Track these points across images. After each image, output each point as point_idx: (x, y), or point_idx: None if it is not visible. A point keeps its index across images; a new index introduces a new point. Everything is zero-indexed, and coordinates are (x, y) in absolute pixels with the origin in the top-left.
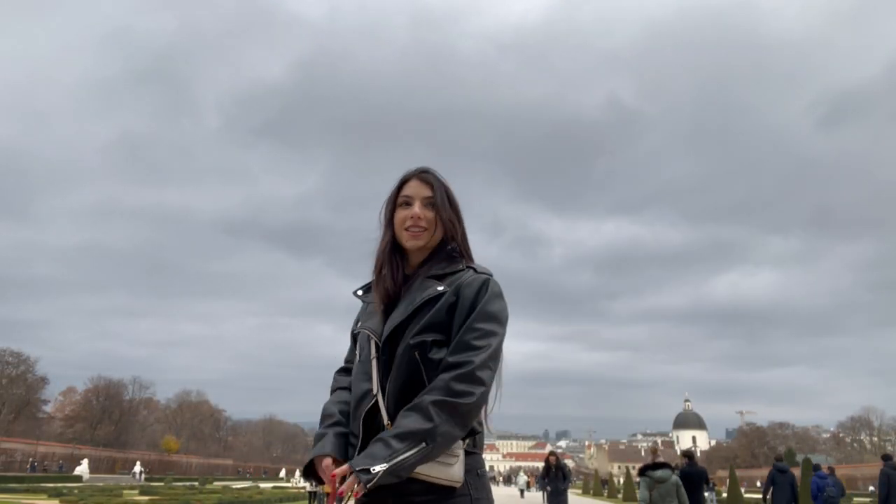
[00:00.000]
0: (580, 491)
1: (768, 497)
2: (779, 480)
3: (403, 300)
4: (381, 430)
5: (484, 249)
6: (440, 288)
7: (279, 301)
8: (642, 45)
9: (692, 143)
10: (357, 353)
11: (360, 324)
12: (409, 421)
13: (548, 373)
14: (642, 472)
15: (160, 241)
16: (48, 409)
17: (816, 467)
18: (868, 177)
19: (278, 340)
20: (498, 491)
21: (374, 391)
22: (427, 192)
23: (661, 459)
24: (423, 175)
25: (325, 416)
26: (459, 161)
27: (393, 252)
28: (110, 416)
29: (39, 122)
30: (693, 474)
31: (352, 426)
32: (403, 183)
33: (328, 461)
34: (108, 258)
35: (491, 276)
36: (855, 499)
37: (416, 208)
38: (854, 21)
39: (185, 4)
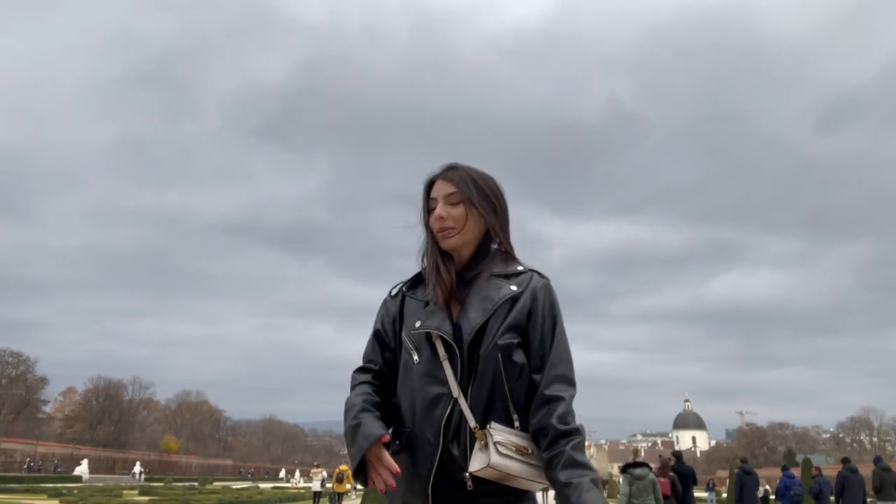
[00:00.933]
0: None
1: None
2: (745, 481)
3: (473, 299)
4: (463, 437)
5: None
6: (514, 288)
7: (279, 301)
8: (641, 48)
9: (691, 145)
10: (411, 354)
11: (420, 323)
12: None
13: None
14: (624, 469)
15: (161, 241)
16: (48, 409)
17: (785, 468)
18: (867, 178)
19: (278, 341)
20: None
21: (454, 394)
22: (449, 189)
23: (641, 459)
24: (447, 173)
25: (351, 406)
26: (458, 160)
27: (441, 252)
28: (110, 417)
29: (41, 123)
30: (681, 473)
31: (423, 432)
32: (431, 185)
33: (384, 452)
34: (108, 258)
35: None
36: None
37: (439, 208)
38: (851, 24)
39: (187, 6)
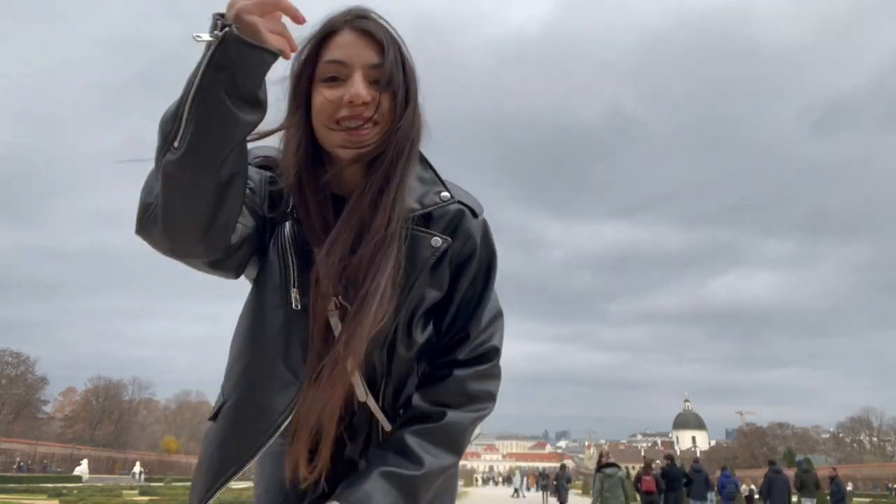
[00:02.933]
0: (580, 491)
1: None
2: (695, 478)
3: (379, 264)
4: (369, 436)
5: None
6: (438, 241)
7: None
8: (640, 54)
9: (689, 148)
10: (276, 306)
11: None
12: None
13: (547, 373)
14: (597, 469)
15: None
16: (48, 409)
17: (724, 468)
18: (862, 181)
19: None
20: (494, 492)
21: (361, 398)
22: (373, 58)
23: (611, 461)
24: (363, 22)
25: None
26: (460, 164)
27: (313, 160)
28: (110, 417)
29: (46, 126)
30: (672, 473)
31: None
32: (329, 34)
33: None
34: (110, 259)
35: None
36: (855, 499)
37: (358, 86)
38: (845, 30)
39: (191, 12)
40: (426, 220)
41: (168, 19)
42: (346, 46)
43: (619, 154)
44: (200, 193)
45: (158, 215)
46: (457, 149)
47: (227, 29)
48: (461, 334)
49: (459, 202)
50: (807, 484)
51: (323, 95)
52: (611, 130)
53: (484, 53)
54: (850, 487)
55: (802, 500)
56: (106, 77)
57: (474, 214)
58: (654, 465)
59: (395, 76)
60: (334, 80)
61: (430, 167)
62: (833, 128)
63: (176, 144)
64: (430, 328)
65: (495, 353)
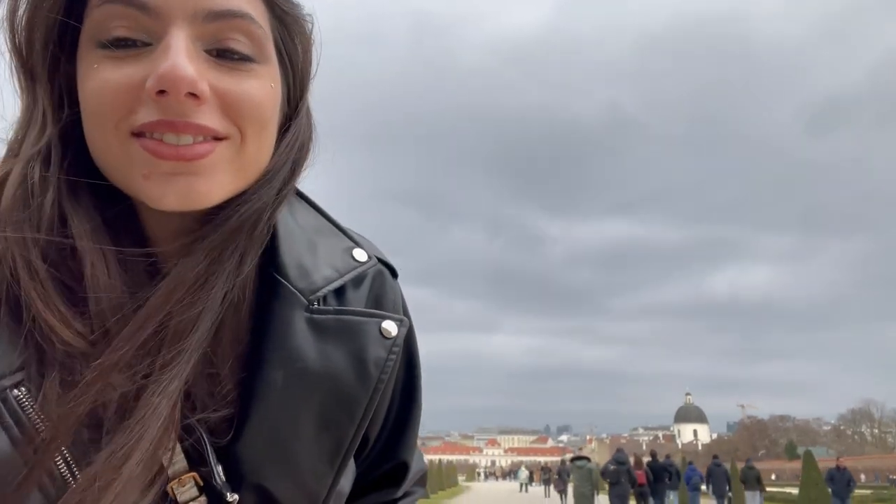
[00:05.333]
0: None
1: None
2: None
3: (266, 384)
4: None
5: (486, 248)
6: (392, 326)
7: None
8: (638, 54)
9: (687, 146)
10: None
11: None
12: None
13: (549, 368)
14: (571, 461)
15: None
16: None
17: (690, 462)
18: (858, 177)
19: None
20: (498, 486)
21: None
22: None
23: (583, 454)
24: None
25: None
26: (461, 162)
27: (72, 197)
28: None
29: None
30: (656, 468)
31: None
32: None
33: None
34: None
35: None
36: (856, 490)
37: (177, 56)
38: (839, 31)
39: None
40: (338, 295)
41: None
42: None
43: (619, 152)
44: None
45: None
46: (457, 147)
47: None
48: (392, 463)
49: (378, 259)
50: (749, 479)
51: (101, 77)
52: (610, 128)
53: (483, 53)
54: None
55: (745, 492)
56: None
57: (394, 274)
58: (642, 461)
59: (267, 40)
60: (126, 45)
61: (314, 206)
62: (829, 126)
63: None
64: (351, 466)
65: (426, 475)
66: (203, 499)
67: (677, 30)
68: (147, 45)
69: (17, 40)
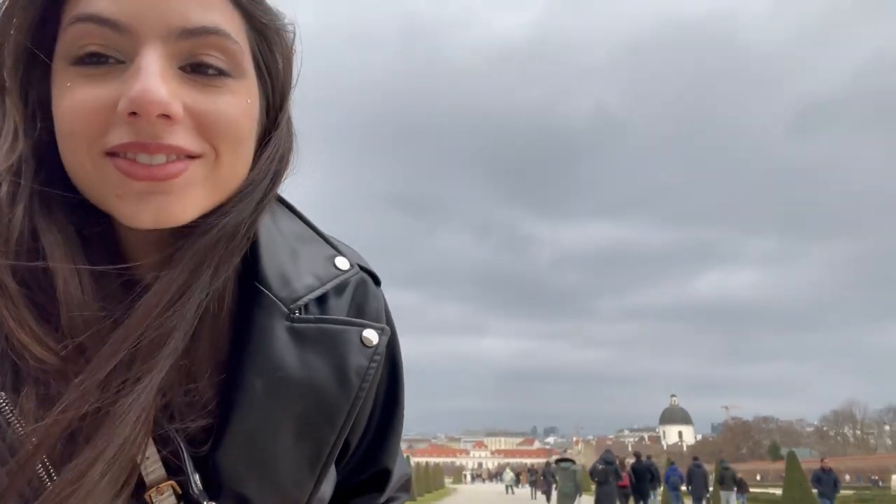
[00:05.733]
0: None
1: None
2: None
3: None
4: None
5: (473, 250)
6: (373, 335)
7: None
8: (624, 56)
9: (673, 149)
10: None
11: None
12: None
13: (536, 369)
14: (556, 463)
15: None
16: None
17: (671, 462)
18: (841, 180)
19: None
20: (484, 488)
21: None
22: (189, 15)
23: (567, 457)
24: None
25: None
26: (449, 164)
27: (44, 220)
28: None
29: None
30: (640, 469)
31: None
32: None
33: None
34: None
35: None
36: (841, 491)
37: (149, 77)
38: (823, 34)
39: None
40: (319, 303)
41: None
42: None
43: (606, 154)
44: None
45: None
46: (445, 150)
47: None
48: (374, 469)
49: (360, 267)
50: (725, 479)
51: (74, 96)
52: (597, 131)
53: (472, 55)
54: None
55: (721, 492)
56: None
57: (377, 282)
58: (625, 463)
59: (243, 55)
60: (98, 62)
61: (296, 213)
62: (811, 129)
63: None
64: (332, 473)
65: (410, 480)
66: None
67: (663, 33)
68: (120, 62)
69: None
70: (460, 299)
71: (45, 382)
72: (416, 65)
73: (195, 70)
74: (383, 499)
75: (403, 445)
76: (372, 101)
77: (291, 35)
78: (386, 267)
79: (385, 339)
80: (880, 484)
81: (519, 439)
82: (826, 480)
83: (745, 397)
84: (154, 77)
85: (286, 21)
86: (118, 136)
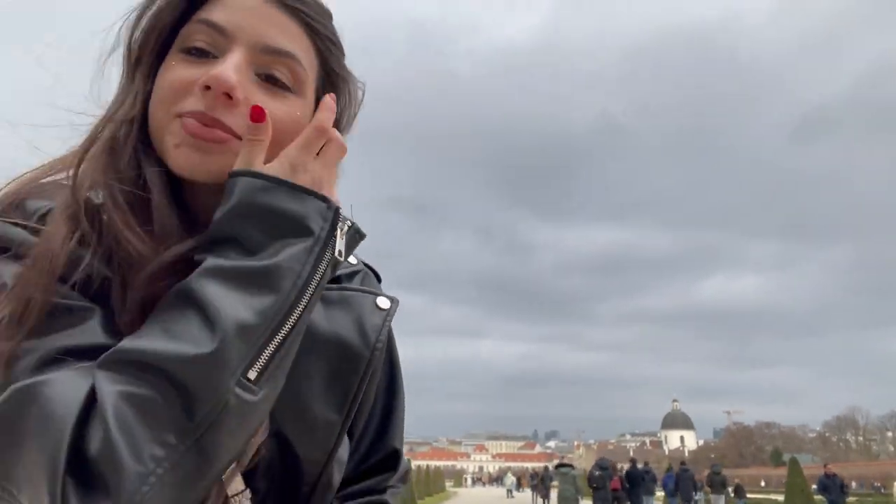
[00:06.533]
0: None
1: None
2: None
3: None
4: None
5: (476, 253)
6: (385, 302)
7: None
8: (628, 64)
9: (675, 155)
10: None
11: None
12: None
13: (537, 373)
14: (556, 468)
15: None
16: None
17: (669, 468)
18: (842, 186)
19: None
20: (485, 492)
21: None
22: (273, 36)
23: (567, 462)
24: None
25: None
26: (452, 169)
27: (145, 159)
28: None
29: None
30: (634, 474)
31: None
32: None
33: None
34: None
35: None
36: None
37: (227, 67)
38: (823, 43)
39: None
40: (337, 282)
41: None
42: (236, 7)
43: (608, 160)
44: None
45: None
46: (448, 154)
47: (350, 224)
48: (384, 452)
49: (365, 265)
50: (715, 483)
51: (173, 72)
52: (600, 137)
53: (476, 62)
54: None
55: (711, 496)
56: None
57: (378, 279)
58: (619, 468)
59: (308, 81)
60: (200, 54)
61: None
62: (812, 136)
63: (253, 376)
64: (345, 442)
65: (409, 473)
66: None
67: (666, 40)
68: (216, 57)
69: (134, 36)
70: (463, 302)
71: (136, 269)
72: (421, 71)
73: (266, 79)
74: (396, 478)
75: (404, 448)
76: (377, 108)
77: (361, 93)
78: (389, 270)
79: (395, 307)
80: (883, 491)
81: (520, 443)
82: (832, 487)
83: (747, 402)
84: (231, 66)
85: (356, 76)
86: (190, 104)
